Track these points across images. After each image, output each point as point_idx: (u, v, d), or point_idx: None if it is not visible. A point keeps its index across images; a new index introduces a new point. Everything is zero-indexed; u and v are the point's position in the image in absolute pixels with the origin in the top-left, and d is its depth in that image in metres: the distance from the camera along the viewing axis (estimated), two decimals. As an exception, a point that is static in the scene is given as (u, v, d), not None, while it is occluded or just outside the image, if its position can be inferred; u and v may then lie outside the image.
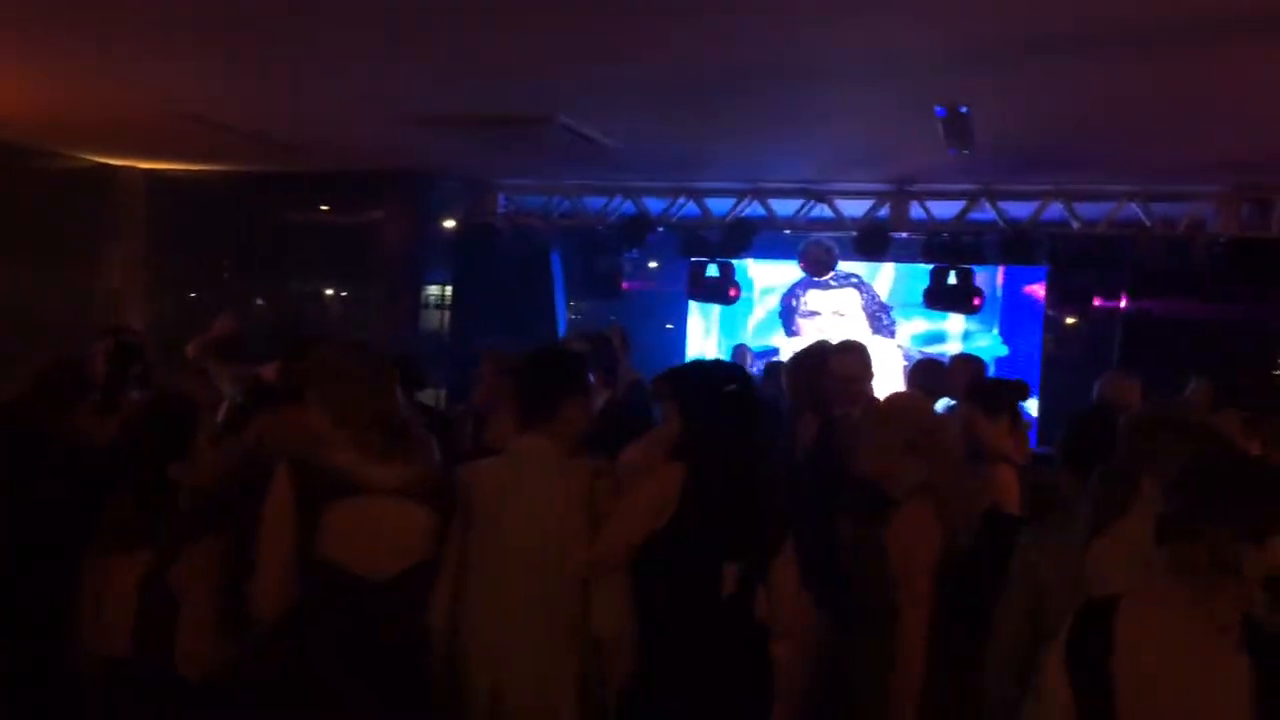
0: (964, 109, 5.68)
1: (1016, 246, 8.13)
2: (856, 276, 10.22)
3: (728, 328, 10.55)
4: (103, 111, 7.05)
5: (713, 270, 8.92)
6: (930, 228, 8.44)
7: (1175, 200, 7.94)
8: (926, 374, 6.12)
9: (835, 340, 4.86)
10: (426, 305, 10.29)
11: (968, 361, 6.26)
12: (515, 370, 3.26)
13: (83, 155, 9.00)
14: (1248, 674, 2.01)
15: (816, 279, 9.55)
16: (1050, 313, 9.04)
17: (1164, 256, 8.07)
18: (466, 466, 3.10)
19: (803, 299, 10.36)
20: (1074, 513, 2.92)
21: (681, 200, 8.82)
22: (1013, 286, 9.58)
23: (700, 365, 3.36)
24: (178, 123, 6.97)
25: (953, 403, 5.74)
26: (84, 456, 3.28)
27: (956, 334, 9.98)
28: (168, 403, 3.15)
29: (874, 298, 10.27)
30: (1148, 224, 7.98)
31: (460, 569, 2.92)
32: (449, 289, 10.27)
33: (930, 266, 8.45)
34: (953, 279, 8.32)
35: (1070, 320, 9.28)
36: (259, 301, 10.81)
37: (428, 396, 8.65)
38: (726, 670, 2.91)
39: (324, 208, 9.97)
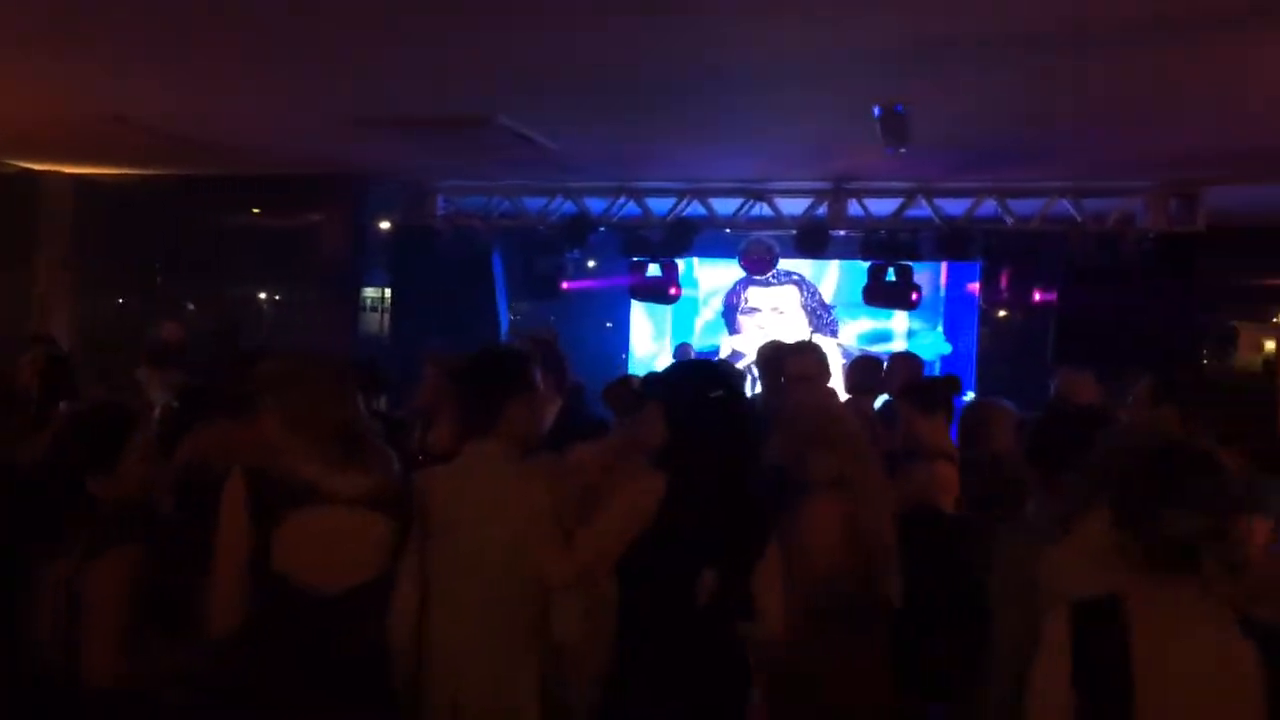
0: (900, 108, 5.75)
1: (952, 243, 8.26)
2: (798, 274, 10.33)
3: (676, 328, 10.61)
4: (27, 117, 6.87)
5: (655, 270, 8.93)
6: (868, 225, 8.54)
7: (1105, 196, 8.12)
8: (863, 371, 6.22)
9: (782, 338, 4.95)
10: (365, 308, 10.20)
11: (906, 359, 6.36)
12: (457, 373, 3.23)
13: (7, 161, 8.77)
14: (1256, 661, 2.07)
15: (757, 277, 9.63)
16: (985, 307, 9.18)
17: (1095, 252, 8.24)
18: (421, 473, 3.06)
19: (744, 296, 10.46)
20: (1043, 511, 2.98)
21: (622, 200, 8.82)
22: (956, 285, 9.77)
23: (687, 370, 3.33)
24: (105, 127, 6.81)
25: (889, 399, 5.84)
26: (14, 472, 3.19)
27: (901, 333, 10.14)
28: (96, 413, 3.07)
29: (815, 295, 10.39)
30: (1079, 220, 8.15)
31: (420, 578, 2.88)
32: (388, 291, 10.18)
33: (868, 264, 8.56)
34: (891, 276, 8.43)
35: (1004, 315, 9.42)
36: (190, 307, 10.62)
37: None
38: (702, 677, 2.90)
39: (258, 211, 9.84)
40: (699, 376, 3.17)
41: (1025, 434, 3.34)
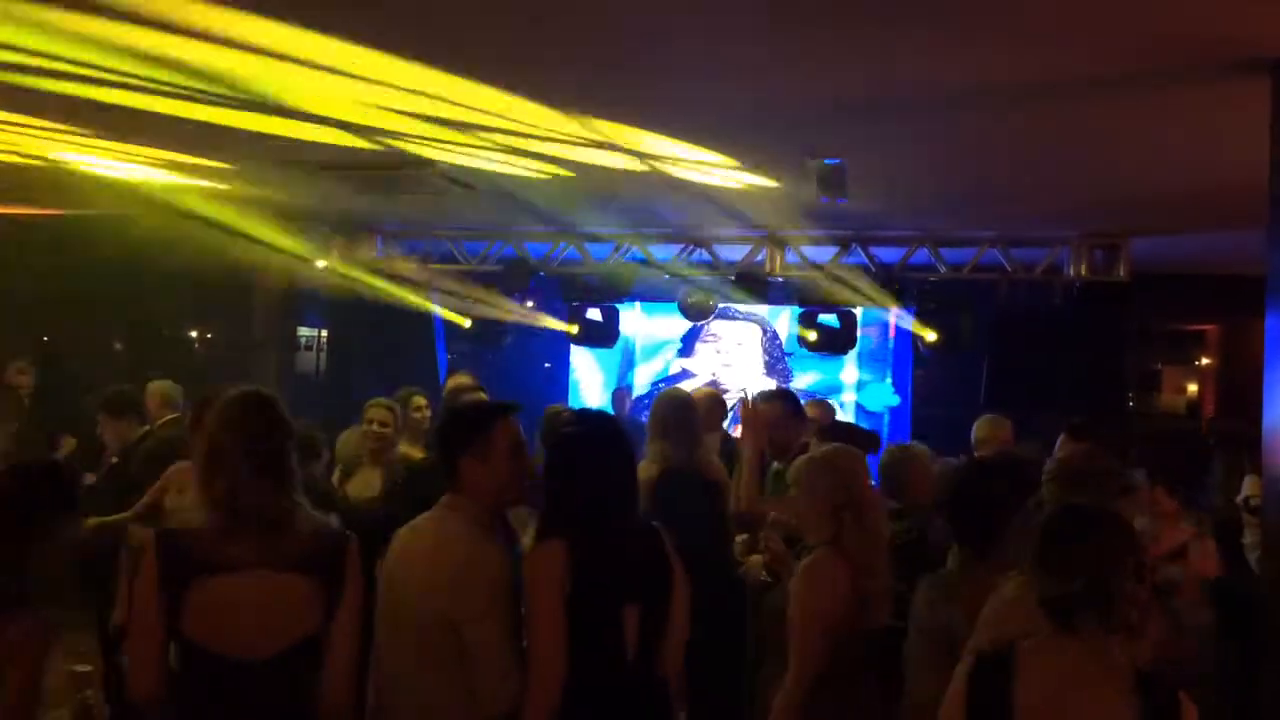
0: (837, 160, 5.86)
1: (886, 290, 8.40)
2: (761, 315, 10.40)
3: (612, 372, 10.63)
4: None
5: (595, 314, 8.96)
6: (805, 272, 8.66)
7: (1033, 246, 8.33)
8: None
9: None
10: (301, 348, 10.09)
11: (818, 406, 6.46)
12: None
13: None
14: (1138, 715, 2.14)
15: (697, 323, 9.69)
16: (919, 353, 9.33)
17: (1025, 299, 8.45)
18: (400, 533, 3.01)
19: (708, 325, 10.41)
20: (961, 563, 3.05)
21: (562, 245, 8.85)
22: (905, 336, 9.83)
23: (565, 430, 3.18)
24: (39, 169, 6.70)
25: None
26: None
27: (850, 384, 10.22)
28: (43, 473, 2.99)
29: (775, 339, 10.45)
30: (1008, 269, 8.34)
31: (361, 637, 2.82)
32: (324, 331, 10.09)
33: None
34: (834, 321, 8.56)
35: (937, 361, 9.57)
36: (118, 346, 10.43)
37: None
38: None
39: (193, 250, 9.66)
40: (569, 433, 3.11)
41: (943, 487, 3.40)
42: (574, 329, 9.13)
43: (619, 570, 2.89)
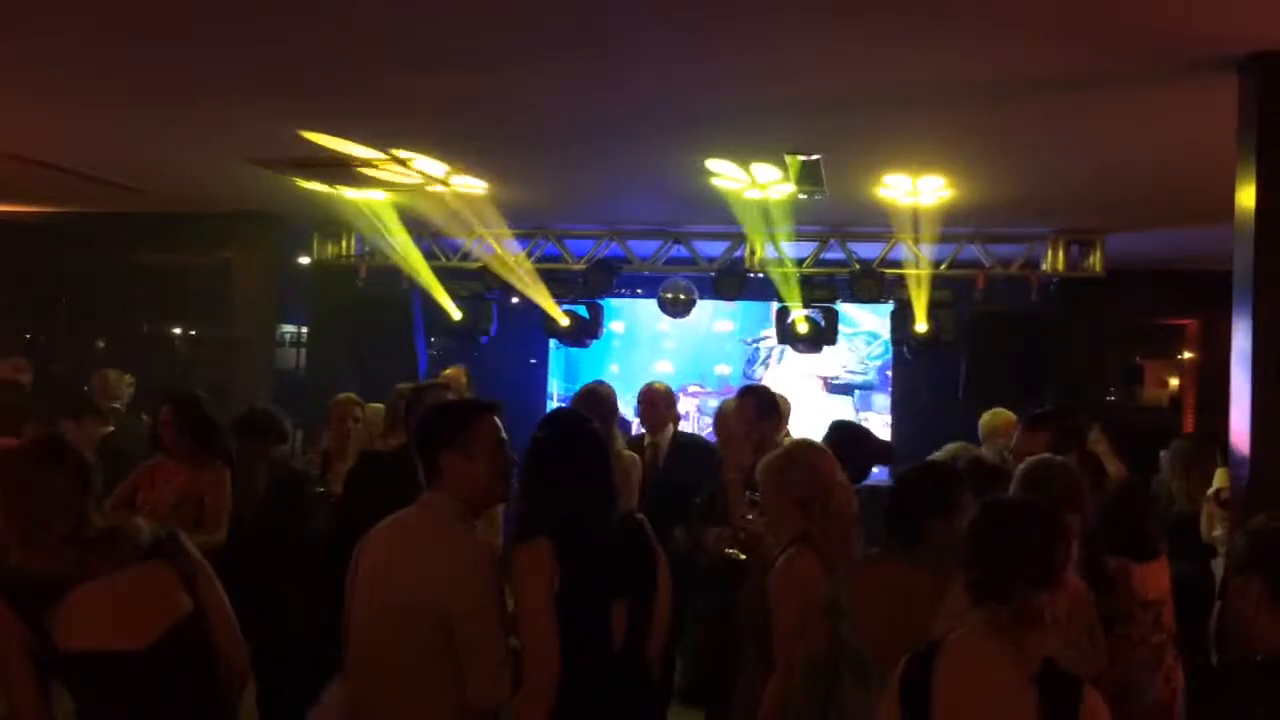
0: (814, 156, 5.88)
1: (865, 285, 8.42)
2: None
3: (589, 367, 10.60)
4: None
5: (580, 311, 8.95)
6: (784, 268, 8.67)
7: (1009, 242, 8.37)
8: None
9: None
10: (282, 344, 10.06)
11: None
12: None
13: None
14: (1036, 706, 2.22)
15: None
16: (897, 349, 9.36)
17: (1002, 294, 8.50)
18: (376, 527, 3.00)
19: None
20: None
21: (541, 241, 8.85)
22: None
23: (540, 430, 3.19)
24: (6, 165, 6.68)
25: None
26: None
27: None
28: None
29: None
30: (985, 264, 8.38)
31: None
32: (304, 328, 10.07)
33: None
34: (816, 316, 8.58)
35: (917, 356, 9.58)
36: (100, 345, 10.39)
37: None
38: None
39: (176, 247, 9.65)
40: (541, 437, 3.12)
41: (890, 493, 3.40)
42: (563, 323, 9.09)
43: (606, 567, 2.92)
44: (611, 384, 5.70)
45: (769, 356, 10.30)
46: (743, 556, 4.22)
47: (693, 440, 6.21)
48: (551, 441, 3.07)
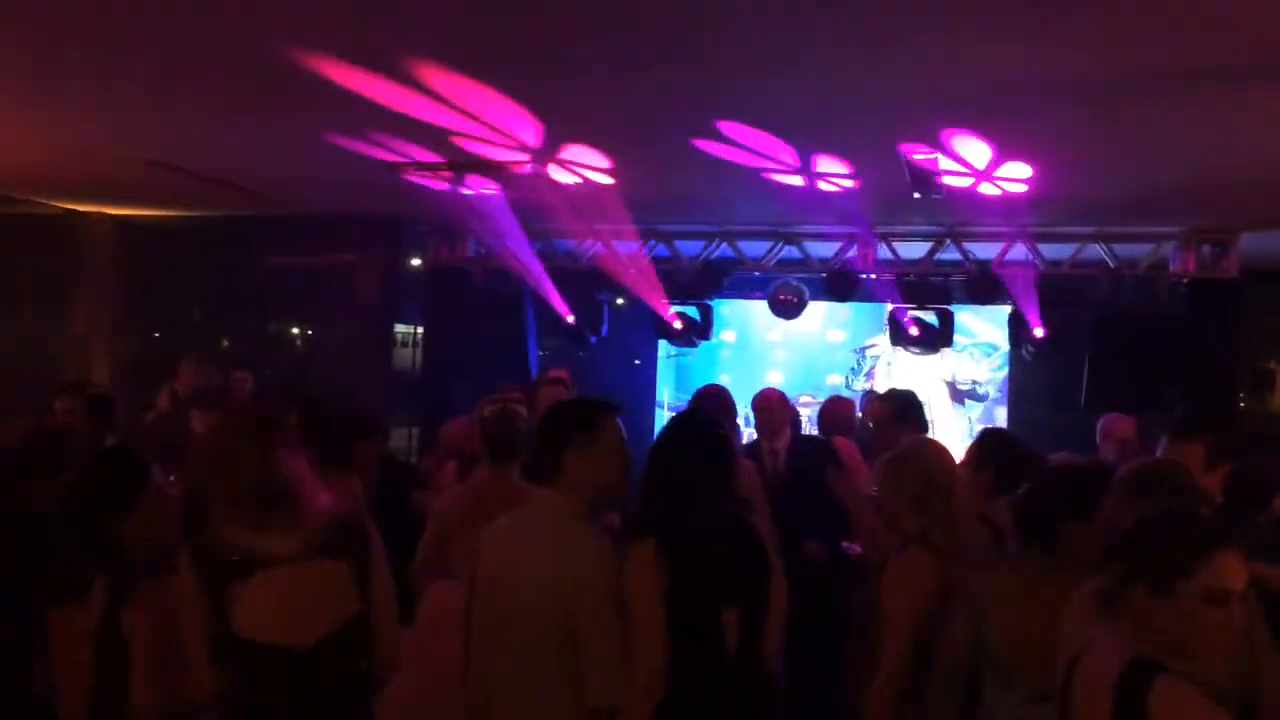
0: (931, 154, 5.77)
1: (982, 287, 8.23)
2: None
3: (700, 369, 10.58)
4: (68, 160, 7.03)
5: (691, 312, 8.95)
6: (898, 269, 8.54)
7: (1136, 242, 8.08)
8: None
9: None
10: (398, 344, 10.29)
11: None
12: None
13: (50, 203, 8.96)
14: None
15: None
16: (1015, 353, 9.12)
17: (1128, 296, 8.21)
18: (491, 526, 3.04)
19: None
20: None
21: (652, 243, 8.86)
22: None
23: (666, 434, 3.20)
24: (146, 171, 6.96)
25: None
26: (33, 522, 3.26)
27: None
28: (112, 458, 3.13)
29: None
30: (1110, 265, 8.11)
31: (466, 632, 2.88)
32: (420, 328, 10.27)
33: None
34: (930, 319, 8.41)
35: (1037, 360, 9.33)
36: (225, 344, 10.77)
37: (399, 437, 8.69)
38: None
39: (295, 251, 9.96)
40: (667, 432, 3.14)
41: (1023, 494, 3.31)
42: (662, 327, 9.11)
43: (716, 572, 2.91)
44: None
45: (873, 367, 10.17)
46: (857, 549, 4.16)
47: (811, 441, 6.16)
48: (678, 444, 3.06)
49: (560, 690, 2.82)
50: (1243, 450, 4.26)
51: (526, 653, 2.84)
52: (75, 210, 9.22)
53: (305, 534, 2.69)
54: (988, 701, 2.88)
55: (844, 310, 9.87)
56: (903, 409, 4.99)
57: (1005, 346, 9.37)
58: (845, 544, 4.60)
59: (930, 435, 5.29)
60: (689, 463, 3.00)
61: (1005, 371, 9.79)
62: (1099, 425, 5.91)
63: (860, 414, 6.89)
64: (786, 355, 10.28)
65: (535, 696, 2.84)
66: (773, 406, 5.83)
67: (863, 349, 10.23)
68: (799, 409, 9.40)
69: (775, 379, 9.72)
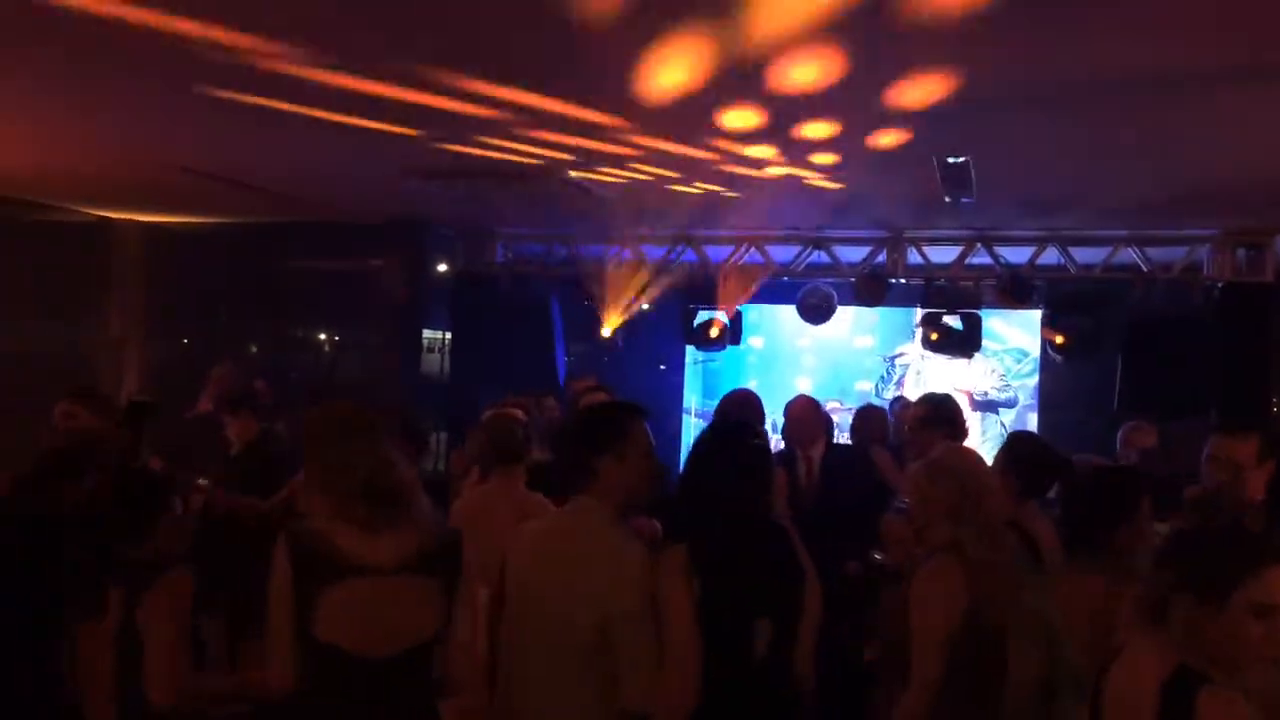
0: (962, 158, 5.72)
1: (1013, 291, 8.16)
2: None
3: (728, 376, 10.56)
4: (99, 167, 7.09)
5: (718, 315, 8.91)
6: (927, 273, 8.49)
7: (1169, 245, 7.99)
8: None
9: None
10: (425, 350, 10.32)
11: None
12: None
13: (82, 209, 9.04)
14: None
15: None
16: (1046, 358, 9.05)
17: (1162, 300, 8.12)
18: (518, 532, 3.04)
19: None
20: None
21: (680, 248, 8.85)
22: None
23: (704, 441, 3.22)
24: (175, 177, 7.01)
25: None
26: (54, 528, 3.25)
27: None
28: (129, 489, 3.14)
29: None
30: (1144, 269, 8.02)
31: (493, 636, 2.88)
32: (447, 334, 10.30)
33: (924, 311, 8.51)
34: (957, 323, 8.36)
35: (1069, 365, 9.25)
36: (254, 349, 10.83)
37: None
38: None
39: (324, 256, 10.01)
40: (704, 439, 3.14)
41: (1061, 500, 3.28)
42: (689, 332, 9.09)
43: (746, 580, 2.91)
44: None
45: (903, 375, 10.12)
46: (879, 558, 4.12)
47: (847, 450, 6.11)
48: (715, 451, 3.05)
49: (594, 694, 2.82)
50: None
51: (561, 657, 2.84)
52: (107, 217, 9.31)
53: (410, 544, 2.69)
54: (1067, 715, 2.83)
55: (872, 316, 9.84)
56: (938, 411, 4.95)
57: (1036, 352, 9.28)
58: (875, 554, 4.56)
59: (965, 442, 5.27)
60: (722, 470, 3.00)
61: (1036, 378, 9.72)
62: (1120, 433, 5.85)
63: (893, 420, 6.83)
64: (815, 361, 10.25)
65: (569, 700, 2.84)
66: (805, 416, 5.78)
67: (892, 357, 10.19)
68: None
69: (804, 385, 9.70)
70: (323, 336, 11.66)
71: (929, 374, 9.79)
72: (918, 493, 3.41)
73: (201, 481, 5.62)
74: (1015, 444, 4.27)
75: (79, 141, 6.39)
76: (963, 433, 5.07)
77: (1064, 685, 2.85)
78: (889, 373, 10.21)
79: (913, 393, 9.48)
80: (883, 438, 6.28)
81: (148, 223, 9.53)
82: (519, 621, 2.94)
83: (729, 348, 9.30)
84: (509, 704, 2.95)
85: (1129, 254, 8.03)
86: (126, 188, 7.90)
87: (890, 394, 9.69)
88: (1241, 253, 7.81)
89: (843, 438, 7.89)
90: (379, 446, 2.74)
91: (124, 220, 9.44)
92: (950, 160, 5.76)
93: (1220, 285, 7.88)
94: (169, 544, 2.95)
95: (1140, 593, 2.32)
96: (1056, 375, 9.40)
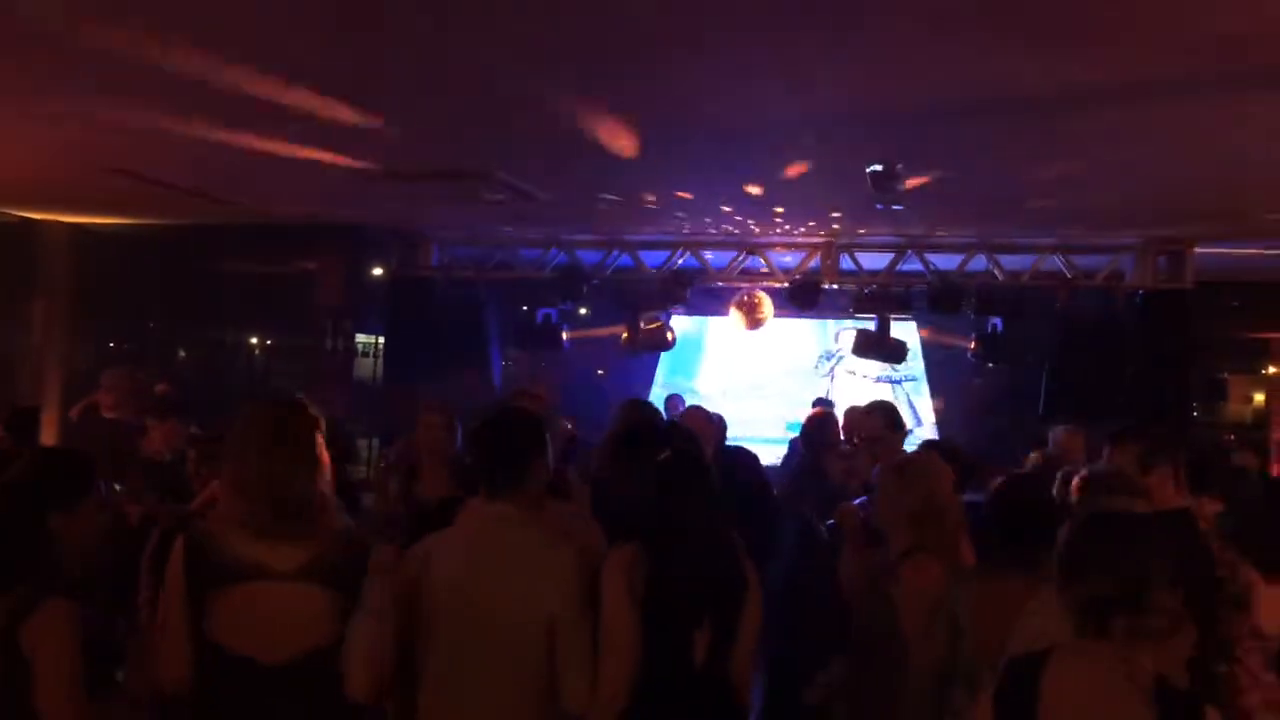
0: (894, 166, 5.82)
1: (943, 297, 8.32)
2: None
3: (670, 377, 10.67)
4: (26, 168, 6.91)
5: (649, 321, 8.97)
6: (860, 279, 8.61)
7: (1094, 253, 8.20)
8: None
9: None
10: (359, 354, 10.24)
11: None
12: (484, 426, 3.16)
13: (5, 210, 8.80)
14: None
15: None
16: (976, 362, 9.23)
17: (1086, 307, 8.34)
18: (429, 539, 2.97)
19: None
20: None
21: (615, 252, 8.88)
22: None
23: (632, 437, 3.31)
24: (102, 177, 6.86)
25: None
26: None
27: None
28: (59, 455, 3.08)
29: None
30: (1069, 275, 8.23)
31: (409, 642, 2.83)
32: (381, 338, 10.22)
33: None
34: (888, 330, 8.51)
35: (996, 369, 9.45)
36: (181, 354, 10.65)
37: (360, 447, 8.61)
38: None
39: (256, 259, 9.87)
40: (643, 442, 3.20)
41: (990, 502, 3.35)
42: (628, 335, 9.12)
43: (692, 581, 2.94)
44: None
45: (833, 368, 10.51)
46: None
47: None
48: (626, 473, 3.10)
49: (534, 694, 2.80)
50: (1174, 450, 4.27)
51: (499, 661, 2.82)
52: (30, 218, 9.07)
53: (310, 552, 2.67)
54: (958, 710, 2.90)
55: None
56: (892, 417, 5.08)
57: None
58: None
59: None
60: (637, 488, 3.05)
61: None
62: (1051, 436, 5.98)
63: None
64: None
65: (508, 701, 2.82)
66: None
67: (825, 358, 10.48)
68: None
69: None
70: (254, 340, 11.51)
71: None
72: (885, 496, 3.49)
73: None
74: (933, 452, 4.41)
75: (2, 142, 6.23)
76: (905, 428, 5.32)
77: (956, 681, 2.92)
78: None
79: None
80: (836, 442, 6.30)
81: (74, 224, 9.30)
82: (448, 627, 2.90)
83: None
84: (434, 712, 2.91)
85: (1055, 261, 8.22)
86: (50, 188, 7.71)
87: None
88: (1162, 260, 8.05)
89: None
90: (300, 454, 2.72)
91: (49, 221, 9.20)
92: (880, 169, 5.85)
93: (1142, 292, 8.11)
94: (89, 531, 2.85)
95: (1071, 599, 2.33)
96: (984, 381, 9.59)
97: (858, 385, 10.23)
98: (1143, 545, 2.27)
